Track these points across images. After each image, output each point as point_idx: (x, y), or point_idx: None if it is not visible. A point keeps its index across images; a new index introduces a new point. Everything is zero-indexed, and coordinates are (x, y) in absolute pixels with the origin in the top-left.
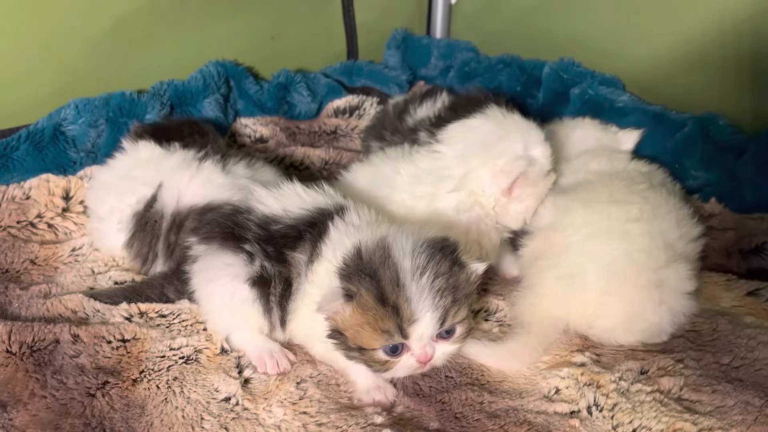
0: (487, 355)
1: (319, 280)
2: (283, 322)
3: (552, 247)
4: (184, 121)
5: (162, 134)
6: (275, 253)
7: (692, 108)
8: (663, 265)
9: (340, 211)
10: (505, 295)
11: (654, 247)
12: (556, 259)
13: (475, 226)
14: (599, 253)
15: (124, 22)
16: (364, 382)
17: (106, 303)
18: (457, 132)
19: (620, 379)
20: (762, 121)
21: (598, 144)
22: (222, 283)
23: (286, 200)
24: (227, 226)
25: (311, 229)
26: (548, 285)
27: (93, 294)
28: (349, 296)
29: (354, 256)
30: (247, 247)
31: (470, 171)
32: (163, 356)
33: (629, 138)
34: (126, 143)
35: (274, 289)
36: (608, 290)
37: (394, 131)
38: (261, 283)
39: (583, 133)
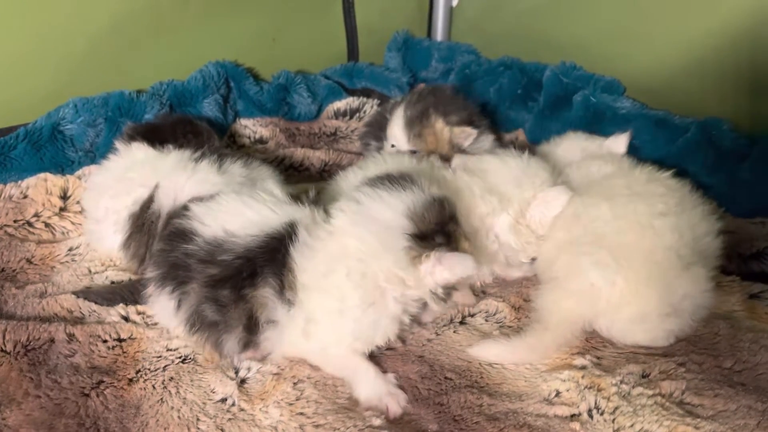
0: (506, 352)
1: (315, 305)
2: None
3: (584, 235)
4: (178, 120)
5: (155, 135)
6: (233, 296)
7: (693, 112)
8: (691, 258)
9: (293, 231)
10: (505, 297)
11: (682, 244)
12: (592, 246)
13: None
14: (632, 245)
15: (124, 22)
16: (374, 389)
17: (102, 305)
18: (496, 165)
19: (621, 382)
20: (762, 126)
21: (584, 153)
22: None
23: (228, 218)
24: (168, 267)
25: (268, 263)
26: (584, 271)
27: (88, 294)
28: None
29: (419, 228)
30: (187, 288)
31: (524, 199)
32: (160, 356)
33: (619, 142)
34: (119, 144)
35: (226, 326)
36: (644, 277)
37: None
38: (205, 324)
39: (568, 145)
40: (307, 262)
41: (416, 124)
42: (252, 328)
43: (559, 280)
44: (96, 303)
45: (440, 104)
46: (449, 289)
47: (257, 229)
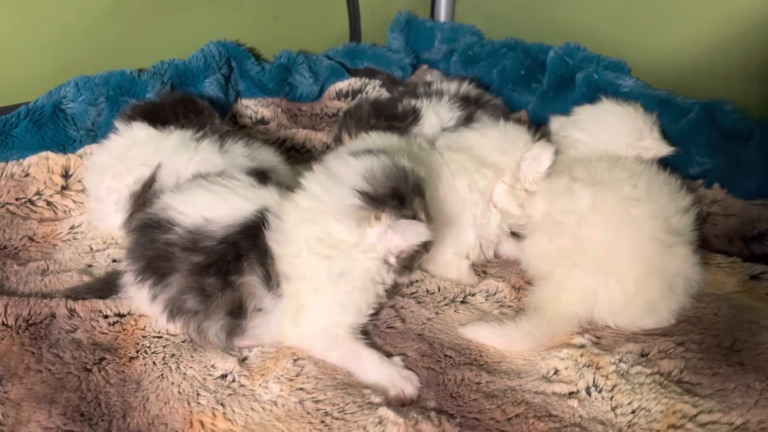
0: (497, 336)
1: (296, 290)
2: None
3: (569, 243)
4: (179, 99)
5: (156, 115)
6: (219, 283)
7: (698, 94)
8: (670, 239)
9: (264, 218)
10: (505, 278)
11: (659, 230)
12: (579, 255)
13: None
14: (613, 239)
15: (125, 0)
16: (383, 373)
17: (99, 299)
18: (478, 139)
19: (620, 361)
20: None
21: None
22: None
23: (202, 205)
24: (148, 260)
25: (252, 248)
26: (579, 279)
27: (80, 293)
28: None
29: (375, 190)
30: (170, 280)
31: (514, 163)
32: (160, 336)
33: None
34: (119, 124)
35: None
36: (641, 270)
37: None
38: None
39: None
40: (282, 248)
41: (336, 139)
42: (238, 315)
43: (554, 283)
44: (93, 298)
45: (346, 121)
46: (406, 261)
47: (230, 219)
